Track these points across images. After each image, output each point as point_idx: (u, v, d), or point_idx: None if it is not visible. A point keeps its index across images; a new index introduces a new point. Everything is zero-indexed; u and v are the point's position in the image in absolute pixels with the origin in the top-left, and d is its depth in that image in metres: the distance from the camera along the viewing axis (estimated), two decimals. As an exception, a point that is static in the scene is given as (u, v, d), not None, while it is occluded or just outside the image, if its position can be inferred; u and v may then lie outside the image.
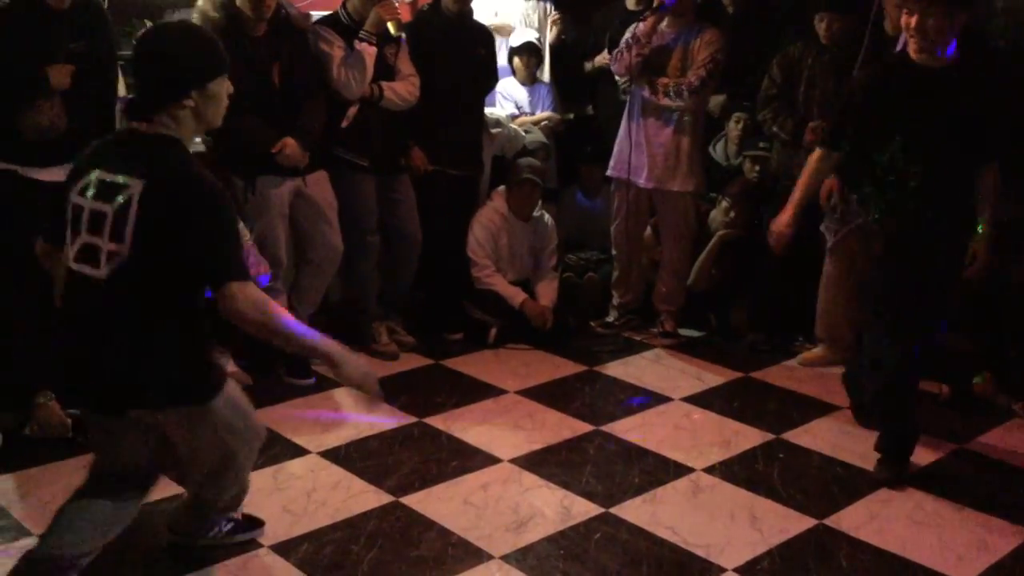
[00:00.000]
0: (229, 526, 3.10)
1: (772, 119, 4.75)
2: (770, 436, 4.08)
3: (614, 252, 5.28)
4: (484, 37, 5.09)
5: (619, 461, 3.82)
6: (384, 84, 4.54)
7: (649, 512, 3.43)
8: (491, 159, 5.37)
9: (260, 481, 3.53)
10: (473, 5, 5.02)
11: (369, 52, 4.42)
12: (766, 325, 5.08)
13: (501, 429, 4.07)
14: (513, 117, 5.66)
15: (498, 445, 3.90)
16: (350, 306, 4.90)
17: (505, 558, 3.11)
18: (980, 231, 3.53)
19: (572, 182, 5.86)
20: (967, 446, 4.01)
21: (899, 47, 3.68)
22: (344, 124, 4.50)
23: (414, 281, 5.00)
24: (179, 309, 2.57)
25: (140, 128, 2.55)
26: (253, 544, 3.13)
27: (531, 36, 5.74)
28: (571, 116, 5.86)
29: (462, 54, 4.89)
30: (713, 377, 4.71)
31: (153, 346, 2.54)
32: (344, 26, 4.49)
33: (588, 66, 5.76)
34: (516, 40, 5.74)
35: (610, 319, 5.32)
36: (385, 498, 3.46)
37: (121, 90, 4.05)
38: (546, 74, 5.89)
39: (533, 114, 5.76)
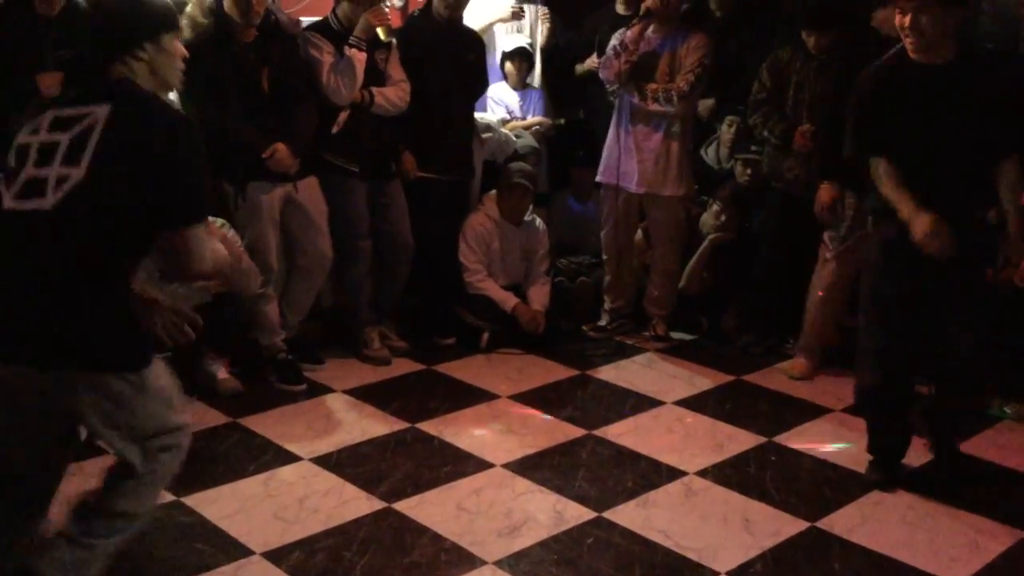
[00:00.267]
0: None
1: (762, 123, 4.76)
2: (762, 439, 4.08)
3: (605, 257, 5.29)
4: (474, 42, 5.09)
5: (612, 465, 3.82)
6: (374, 90, 4.54)
7: (642, 516, 3.43)
8: (482, 164, 5.37)
9: (251, 488, 3.53)
10: (463, 11, 5.02)
11: (359, 58, 4.42)
12: (758, 328, 5.08)
13: (494, 434, 4.06)
14: (504, 122, 5.66)
15: (491, 450, 3.90)
16: (342, 312, 4.90)
17: (498, 563, 3.10)
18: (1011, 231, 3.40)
19: (564, 186, 5.86)
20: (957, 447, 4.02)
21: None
22: (335, 130, 4.50)
23: (406, 286, 5.00)
24: (124, 260, 2.38)
25: (93, 81, 2.44)
26: (245, 551, 3.12)
27: (523, 41, 5.75)
28: (562, 121, 5.86)
29: (452, 59, 4.89)
30: (705, 380, 4.71)
31: (100, 295, 2.32)
32: (334, 32, 4.50)
33: (579, 68, 5.77)
34: (508, 45, 5.74)
35: (602, 323, 5.32)
36: (377, 504, 3.45)
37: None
38: (537, 78, 5.90)
39: (524, 119, 5.76)
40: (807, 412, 4.37)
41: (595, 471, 3.76)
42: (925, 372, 3.74)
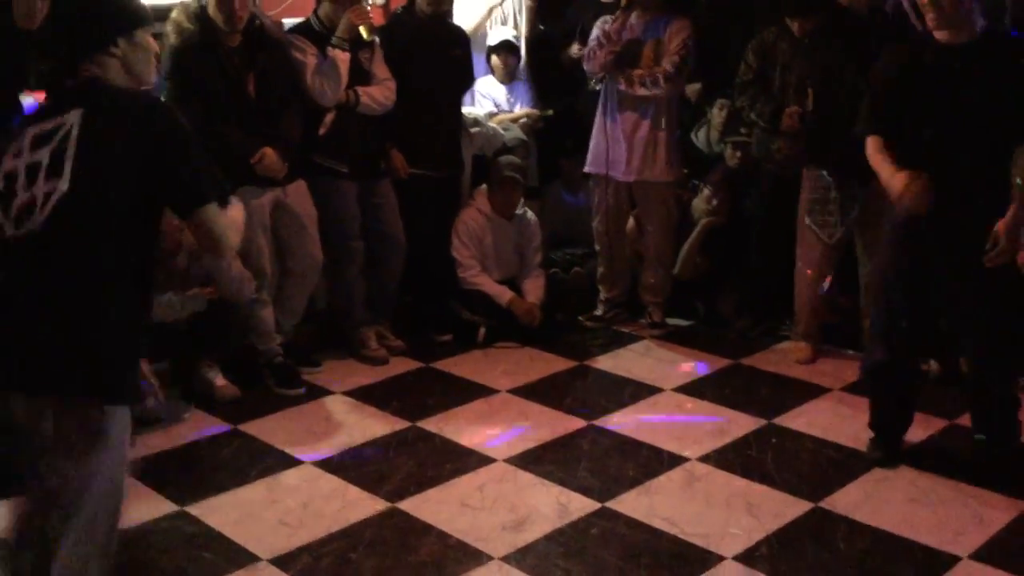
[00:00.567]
0: None
1: (749, 105, 4.75)
2: (762, 422, 4.09)
3: (597, 247, 5.28)
4: (459, 37, 5.08)
5: (614, 455, 3.82)
6: (360, 89, 4.53)
7: (646, 504, 3.43)
8: (471, 159, 5.36)
9: (254, 494, 3.53)
10: (448, 7, 5.01)
11: (342, 58, 4.41)
12: (754, 311, 5.09)
13: (495, 429, 4.06)
14: (491, 115, 5.65)
15: (492, 445, 3.90)
16: (337, 313, 4.89)
17: (505, 559, 3.11)
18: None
19: (554, 178, 5.85)
20: (958, 421, 4.02)
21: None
22: (322, 131, 4.49)
23: (400, 285, 5.00)
24: (126, 274, 2.25)
25: (66, 83, 2.35)
26: (252, 557, 3.12)
27: (508, 34, 5.74)
28: (551, 112, 5.85)
29: (438, 55, 4.88)
30: (703, 365, 4.72)
31: (93, 314, 2.20)
32: (316, 33, 4.48)
33: (564, 56, 5.75)
34: (493, 39, 5.73)
35: (598, 313, 5.32)
36: (382, 504, 3.45)
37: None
38: (523, 71, 5.88)
39: (511, 111, 5.75)
40: (806, 393, 4.37)
41: (597, 461, 3.76)
42: (935, 351, 3.71)
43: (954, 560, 3.08)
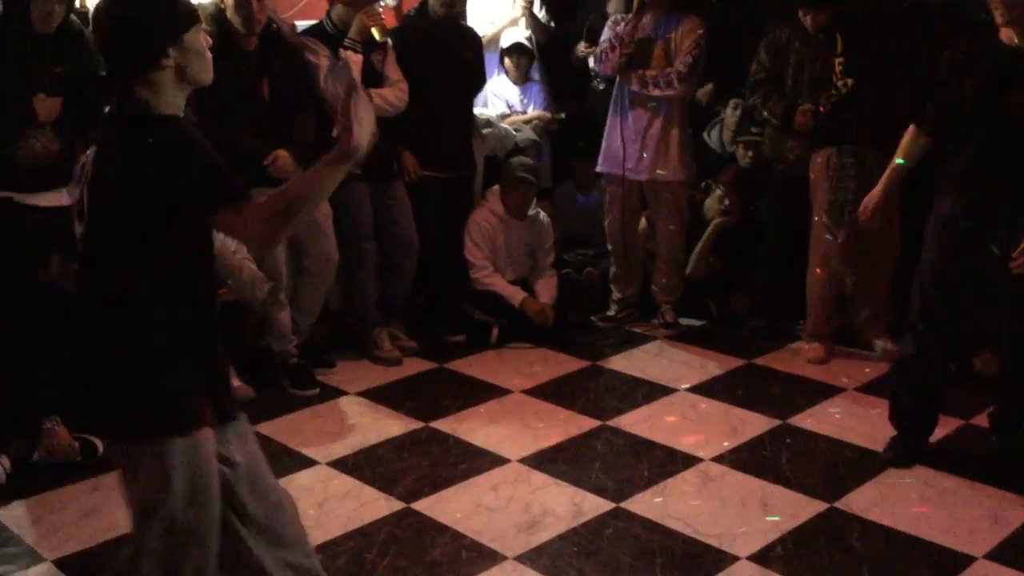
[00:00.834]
0: None
1: (762, 103, 4.75)
2: (776, 422, 4.08)
3: (610, 247, 5.29)
4: (471, 39, 5.09)
5: (627, 455, 3.82)
6: (372, 91, 4.53)
7: (660, 504, 3.44)
8: (483, 160, 5.37)
9: (270, 494, 3.54)
10: (461, 8, 5.02)
11: (355, 60, 4.42)
12: (766, 311, 5.08)
13: (508, 429, 4.07)
14: (503, 116, 5.66)
15: (506, 445, 3.90)
16: (350, 314, 4.90)
17: (519, 558, 3.12)
18: None
19: (567, 179, 5.86)
20: (973, 421, 4.01)
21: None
22: (335, 134, 4.49)
23: (413, 285, 5.01)
24: (157, 301, 2.17)
25: (109, 111, 2.28)
26: (267, 558, 3.13)
27: (521, 36, 5.75)
28: (562, 115, 5.85)
29: (450, 57, 4.89)
30: (716, 365, 4.72)
31: (119, 352, 2.17)
32: (329, 35, 4.49)
33: (572, 56, 5.76)
34: (506, 41, 5.74)
35: (611, 313, 5.32)
36: (396, 505, 3.46)
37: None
38: (537, 72, 5.89)
39: (524, 112, 5.76)
40: (820, 393, 4.37)
41: (611, 462, 3.77)
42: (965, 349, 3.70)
43: (969, 560, 3.07)
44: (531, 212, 5.18)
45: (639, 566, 3.07)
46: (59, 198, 3.67)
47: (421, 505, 3.46)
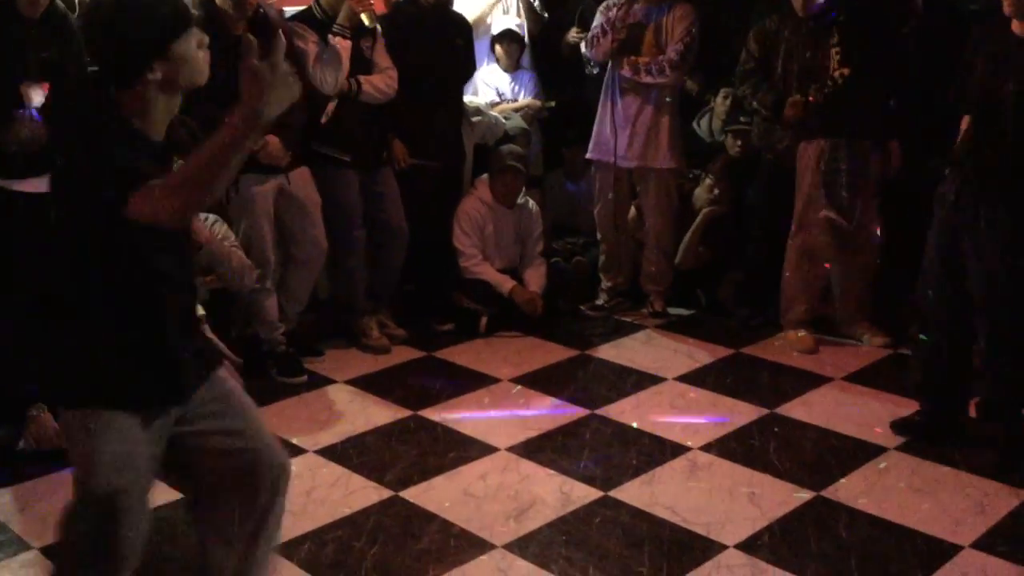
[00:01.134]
0: None
1: (751, 94, 4.75)
2: (764, 411, 4.09)
3: (599, 235, 5.28)
4: (461, 26, 5.07)
5: (616, 444, 3.83)
6: (362, 78, 4.52)
7: (648, 493, 3.44)
8: (473, 148, 5.35)
9: (258, 482, 3.53)
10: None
11: (343, 46, 4.39)
12: (755, 300, 5.09)
13: (497, 418, 4.07)
14: (493, 104, 5.64)
15: (495, 434, 3.90)
16: (339, 302, 4.89)
17: (507, 547, 3.12)
18: None
19: (556, 167, 5.85)
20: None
21: None
22: (324, 120, 4.48)
23: (402, 274, 5.00)
24: (103, 293, 2.19)
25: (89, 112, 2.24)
26: (255, 546, 3.12)
27: (512, 23, 5.72)
28: (553, 103, 5.84)
29: (439, 44, 4.87)
30: (705, 354, 4.72)
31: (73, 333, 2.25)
32: (318, 21, 4.47)
33: (563, 43, 5.74)
34: (497, 27, 5.72)
35: (600, 302, 5.32)
36: (385, 493, 3.46)
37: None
38: (527, 59, 5.87)
39: (515, 100, 5.74)
40: (808, 382, 4.38)
41: (599, 450, 3.77)
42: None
43: (955, 549, 3.09)
44: (520, 200, 5.17)
45: (627, 554, 3.07)
46: (42, 185, 3.63)
47: (409, 493, 3.45)
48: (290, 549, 3.10)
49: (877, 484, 3.50)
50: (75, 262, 2.21)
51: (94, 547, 2.26)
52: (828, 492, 3.44)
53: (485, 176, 5.16)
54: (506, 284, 5.05)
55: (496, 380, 4.45)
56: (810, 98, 4.51)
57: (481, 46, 5.56)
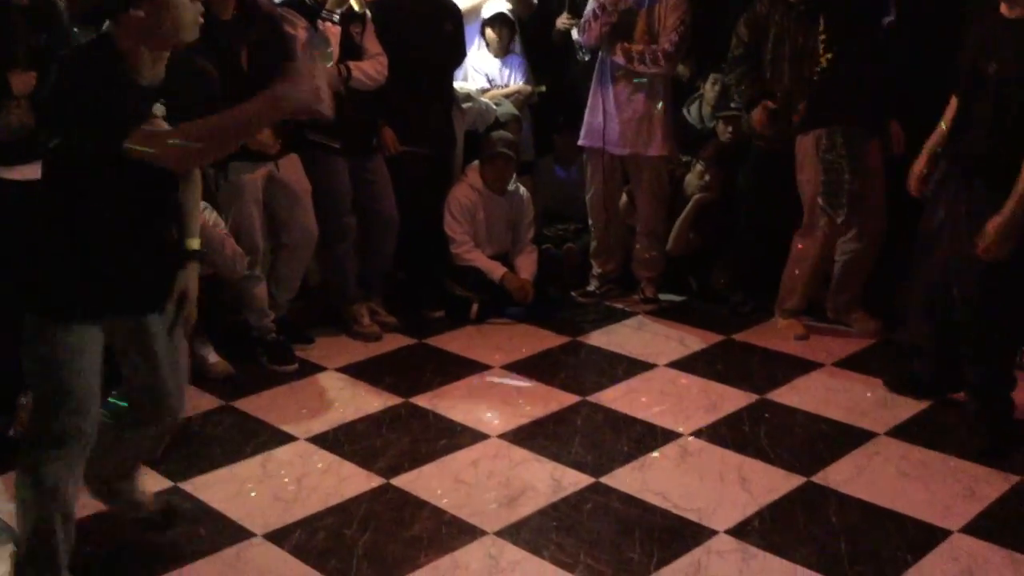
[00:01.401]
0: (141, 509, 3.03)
1: (736, 86, 4.76)
2: (755, 397, 4.10)
3: (590, 222, 5.28)
4: (451, 12, 5.04)
5: (607, 430, 3.83)
6: (351, 64, 4.49)
7: (639, 479, 3.45)
8: (463, 134, 5.34)
9: (249, 470, 3.53)
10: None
11: (333, 32, 4.37)
12: (746, 286, 5.09)
13: (488, 404, 4.07)
14: (483, 90, 5.62)
15: (486, 421, 3.90)
16: (329, 290, 4.88)
17: (499, 533, 3.12)
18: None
19: (548, 153, 5.83)
20: (950, 395, 4.04)
21: None
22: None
23: (393, 261, 4.99)
24: (68, 203, 2.48)
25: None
26: (246, 533, 3.12)
27: (503, 6, 5.70)
28: (543, 88, 5.82)
29: (429, 30, 4.85)
30: (696, 341, 4.73)
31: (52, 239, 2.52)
32: (307, 6, 4.43)
33: (555, 29, 5.72)
34: (487, 11, 5.69)
35: (591, 288, 5.32)
36: (376, 480, 3.46)
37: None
38: (518, 45, 5.84)
39: (506, 86, 5.72)
40: (798, 368, 4.39)
41: (591, 437, 3.77)
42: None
43: (945, 534, 3.11)
44: (511, 187, 5.16)
45: (618, 540, 3.08)
46: (35, 171, 3.59)
47: (401, 481, 3.45)
48: (281, 536, 3.11)
49: (867, 469, 3.51)
50: (48, 181, 2.50)
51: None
52: (818, 477, 3.45)
53: (476, 163, 5.14)
54: (497, 271, 5.04)
55: (487, 367, 4.45)
56: (773, 103, 4.57)
57: (471, 32, 5.53)
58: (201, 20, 2.51)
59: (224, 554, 3.02)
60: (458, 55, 5.18)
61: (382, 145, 4.78)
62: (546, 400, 4.10)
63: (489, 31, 5.67)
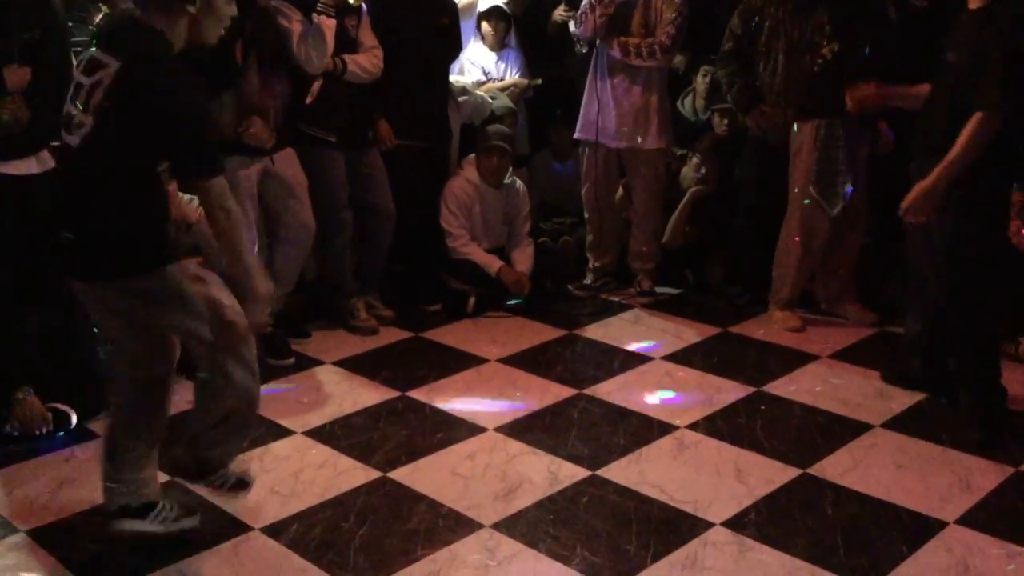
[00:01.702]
0: (228, 480, 3.08)
1: (727, 83, 4.76)
2: (751, 389, 4.11)
3: (586, 215, 5.28)
4: (447, 5, 5.03)
5: (603, 423, 3.84)
6: (347, 57, 4.49)
7: (635, 472, 3.45)
8: (459, 128, 5.33)
9: (246, 464, 3.53)
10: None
11: (328, 25, 4.35)
12: (742, 279, 5.10)
13: (485, 398, 4.07)
14: (479, 84, 5.61)
15: (482, 414, 3.91)
16: (326, 284, 4.88)
17: (495, 526, 3.13)
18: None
19: (544, 147, 5.83)
20: (936, 396, 4.03)
21: None
22: (309, 100, 4.45)
23: (390, 254, 4.98)
24: (136, 186, 2.69)
25: (136, 15, 2.67)
26: (243, 527, 3.13)
27: (499, 0, 5.69)
28: (539, 81, 5.81)
29: (425, 23, 4.84)
30: (692, 333, 4.73)
31: (108, 216, 2.69)
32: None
33: (551, 22, 5.71)
34: (483, 4, 5.68)
35: (587, 281, 5.33)
36: (373, 474, 3.46)
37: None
38: (513, 38, 5.84)
39: (501, 79, 5.72)
40: (794, 360, 4.40)
41: (587, 430, 3.78)
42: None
43: (941, 525, 3.11)
44: (507, 180, 5.16)
45: (615, 533, 3.09)
46: (29, 166, 3.61)
47: (398, 474, 3.46)
48: (278, 530, 3.11)
49: (863, 461, 3.52)
50: (117, 173, 2.66)
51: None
52: (814, 469, 3.46)
53: (472, 156, 5.14)
54: (493, 264, 5.04)
55: (484, 360, 4.45)
56: (764, 111, 4.61)
57: (467, 26, 5.52)
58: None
59: (221, 548, 3.03)
60: (454, 48, 5.17)
61: (378, 139, 4.77)
62: (542, 393, 4.10)
63: (485, 24, 5.66)
